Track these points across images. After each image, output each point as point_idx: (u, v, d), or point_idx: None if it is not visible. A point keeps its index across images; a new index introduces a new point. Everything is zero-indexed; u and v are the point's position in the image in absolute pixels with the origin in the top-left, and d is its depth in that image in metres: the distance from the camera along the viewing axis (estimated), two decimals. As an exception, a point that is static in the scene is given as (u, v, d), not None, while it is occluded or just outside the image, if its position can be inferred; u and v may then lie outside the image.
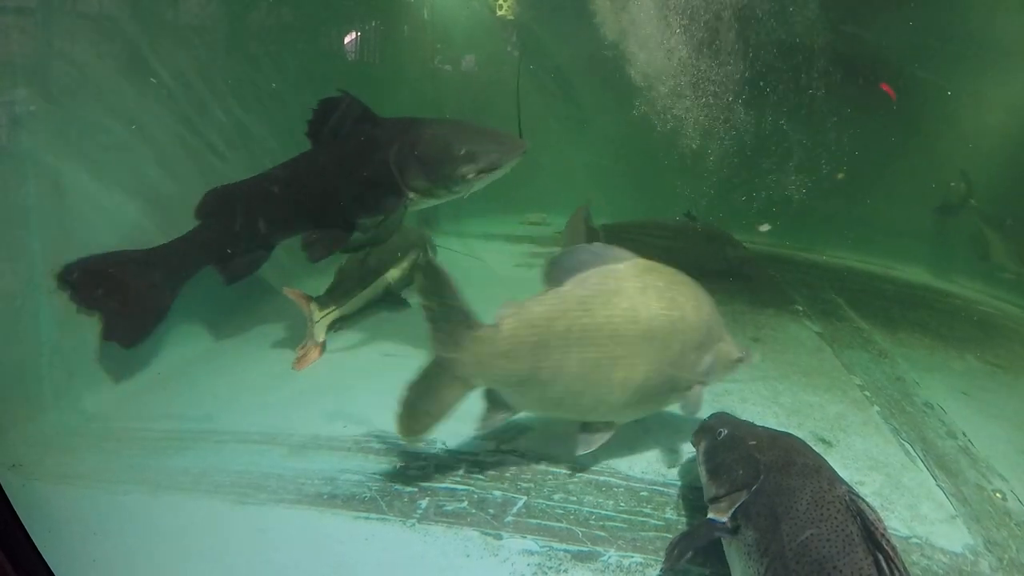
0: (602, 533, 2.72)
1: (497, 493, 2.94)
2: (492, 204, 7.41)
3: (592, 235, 5.20)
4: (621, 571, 2.53)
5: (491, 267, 6.57)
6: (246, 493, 2.89)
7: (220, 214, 4.12)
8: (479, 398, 2.96)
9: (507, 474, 3.08)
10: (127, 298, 3.84)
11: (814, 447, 2.61)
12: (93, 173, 3.92)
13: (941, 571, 2.67)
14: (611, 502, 2.91)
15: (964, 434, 3.78)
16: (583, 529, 2.74)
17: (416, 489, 2.95)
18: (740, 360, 3.13)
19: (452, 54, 8.74)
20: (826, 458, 2.47)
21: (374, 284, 5.02)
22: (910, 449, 3.54)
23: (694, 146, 6.32)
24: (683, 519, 2.84)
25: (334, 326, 4.55)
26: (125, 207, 4.12)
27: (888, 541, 1.96)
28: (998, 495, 3.23)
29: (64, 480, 2.95)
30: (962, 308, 6.68)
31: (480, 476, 3.06)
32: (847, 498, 2.13)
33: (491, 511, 2.82)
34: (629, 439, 3.11)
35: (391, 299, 5.18)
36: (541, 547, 2.62)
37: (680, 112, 6.14)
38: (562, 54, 9.02)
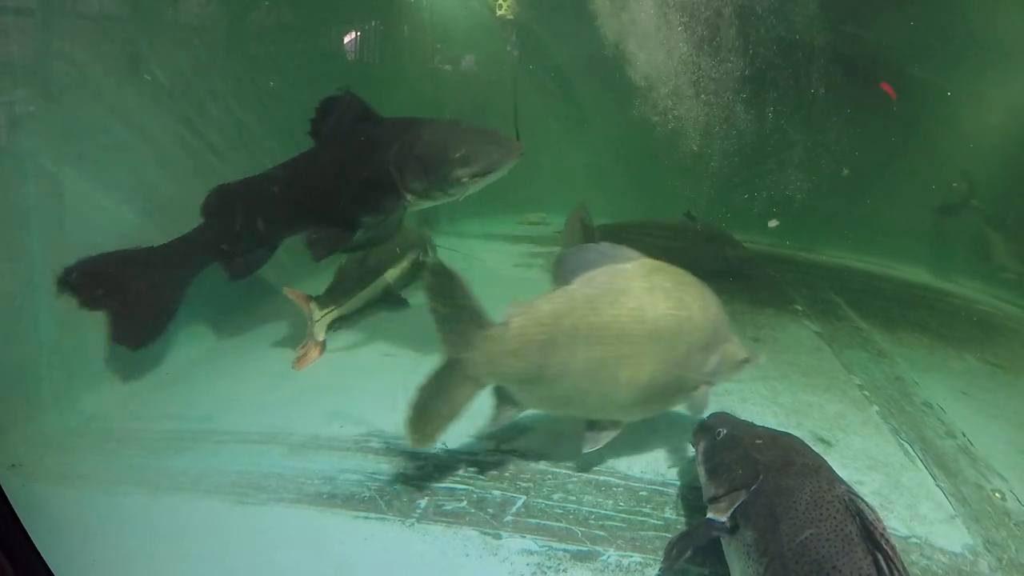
0: (601, 533, 2.72)
1: (496, 493, 2.94)
2: (492, 204, 7.42)
3: (589, 235, 5.18)
4: (620, 571, 2.53)
5: (491, 267, 6.57)
6: (246, 493, 2.89)
7: (224, 212, 4.13)
8: (480, 399, 2.96)
9: (506, 474, 3.08)
10: (134, 299, 3.85)
11: (813, 447, 2.61)
12: (93, 173, 3.93)
13: (940, 571, 2.67)
14: (610, 502, 2.92)
15: (963, 434, 3.77)
16: (582, 529, 2.74)
17: (415, 489, 2.95)
18: (746, 361, 3.13)
19: (452, 54, 8.73)
20: (825, 458, 2.48)
21: (374, 284, 5.03)
22: (909, 449, 3.54)
23: (694, 146, 6.31)
24: (682, 519, 2.84)
25: (333, 326, 4.55)
26: (125, 207, 4.13)
27: (887, 541, 1.96)
28: (997, 495, 3.23)
29: (64, 481, 2.95)
30: (962, 308, 6.68)
31: (479, 476, 3.06)
32: (846, 498, 2.13)
33: (490, 511, 2.82)
34: (629, 439, 3.11)
35: (391, 299, 5.18)
36: (540, 547, 2.63)
37: (680, 112, 6.13)
38: (562, 54, 9.01)
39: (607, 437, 3.00)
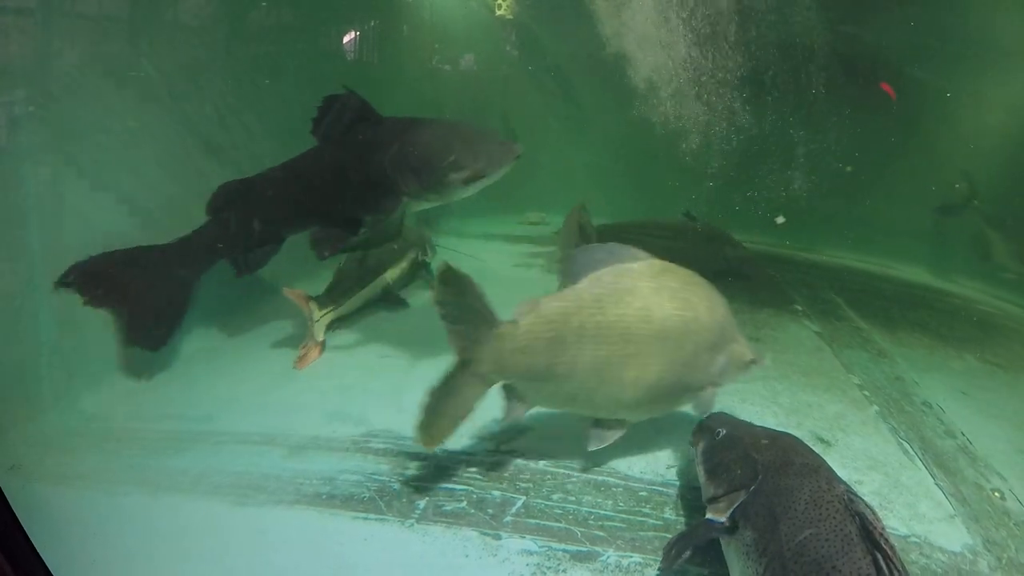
0: (601, 533, 2.72)
1: (496, 493, 2.94)
2: (491, 204, 7.42)
3: (586, 235, 5.16)
4: (620, 571, 2.53)
5: (490, 267, 6.56)
6: (245, 494, 2.89)
7: (231, 209, 4.14)
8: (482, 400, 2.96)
9: (506, 474, 3.08)
10: (148, 298, 3.87)
11: (813, 447, 2.61)
12: (93, 173, 3.93)
13: (940, 570, 2.67)
14: (610, 502, 2.92)
15: (963, 433, 3.77)
16: (582, 529, 2.74)
17: (415, 489, 2.95)
18: (753, 362, 3.13)
19: (451, 53, 8.74)
20: (825, 458, 2.47)
21: (373, 284, 5.03)
22: (909, 448, 3.54)
23: (693, 146, 6.31)
24: (682, 519, 2.84)
25: (332, 326, 4.55)
26: (125, 207, 4.13)
27: (887, 540, 1.96)
28: (997, 494, 3.23)
29: (63, 481, 2.95)
30: (961, 308, 6.68)
31: (479, 476, 3.06)
32: (845, 498, 2.13)
33: (490, 511, 2.82)
34: (628, 439, 3.10)
35: (390, 298, 5.18)
36: (540, 547, 2.63)
37: (679, 112, 6.13)
38: (561, 53, 9.02)
39: (613, 436, 3.02)
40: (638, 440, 3.29)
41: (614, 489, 3.01)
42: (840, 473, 2.37)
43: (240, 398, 3.77)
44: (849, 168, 7.53)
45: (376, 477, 3.03)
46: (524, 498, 2.91)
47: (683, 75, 6.03)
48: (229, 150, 5.09)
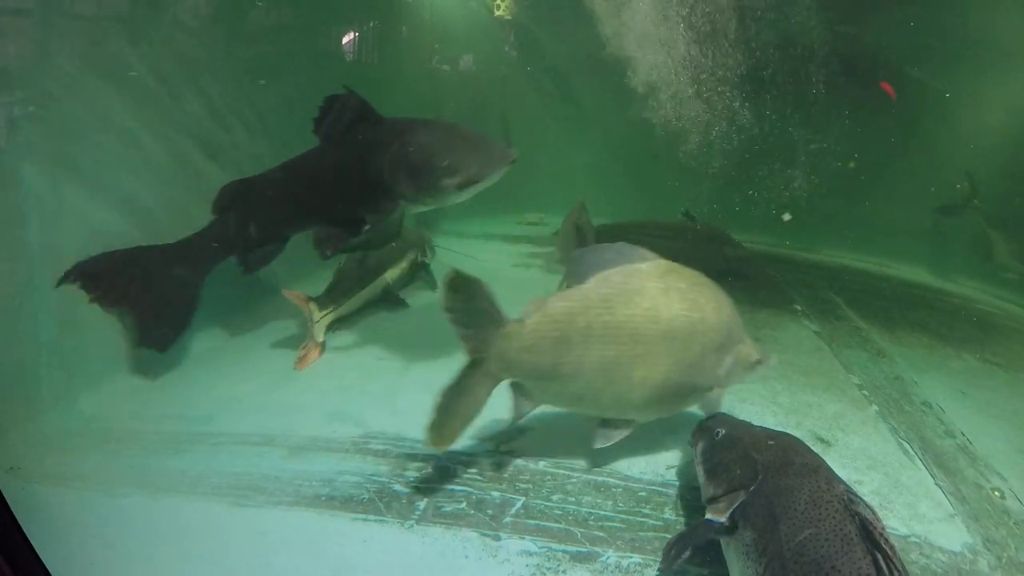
0: (601, 534, 2.72)
1: (495, 494, 2.94)
2: (490, 204, 7.41)
3: (583, 235, 5.15)
4: (620, 571, 2.53)
5: (489, 267, 6.56)
6: (245, 495, 2.89)
7: (236, 208, 4.16)
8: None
9: (505, 475, 3.08)
10: (155, 297, 3.88)
11: (813, 446, 2.61)
12: (92, 173, 3.93)
13: (940, 570, 2.67)
14: (609, 502, 2.91)
15: (962, 433, 3.77)
16: (582, 530, 2.74)
17: (414, 490, 2.95)
18: (759, 362, 3.14)
19: (450, 54, 8.74)
20: (825, 457, 2.47)
21: (373, 284, 5.03)
22: (908, 448, 3.54)
23: (692, 146, 6.31)
24: (682, 519, 2.84)
25: (332, 326, 4.55)
26: (124, 207, 4.13)
27: (886, 540, 1.96)
28: (996, 493, 3.23)
29: (63, 482, 2.95)
30: (961, 307, 6.69)
31: (478, 477, 3.06)
32: (845, 497, 2.13)
33: (489, 512, 2.82)
34: (628, 439, 3.11)
35: (390, 299, 5.18)
36: (540, 548, 2.63)
37: (678, 112, 6.13)
38: (560, 54, 9.02)
39: (619, 435, 3.03)
40: (638, 441, 3.29)
41: (614, 490, 3.01)
42: (840, 473, 2.37)
43: (240, 399, 3.77)
44: (852, 163, 7.53)
45: (375, 478, 3.03)
46: (524, 499, 2.91)
47: (682, 75, 6.03)
48: (228, 150, 5.08)
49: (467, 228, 7.79)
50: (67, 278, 3.58)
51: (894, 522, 2.90)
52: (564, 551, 2.61)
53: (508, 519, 2.78)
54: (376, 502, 2.86)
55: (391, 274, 5.22)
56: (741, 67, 6.18)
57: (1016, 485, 3.31)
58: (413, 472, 3.08)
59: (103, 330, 3.83)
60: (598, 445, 3.02)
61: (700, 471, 2.68)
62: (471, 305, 2.78)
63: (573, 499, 2.92)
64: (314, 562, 2.53)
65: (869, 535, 1.98)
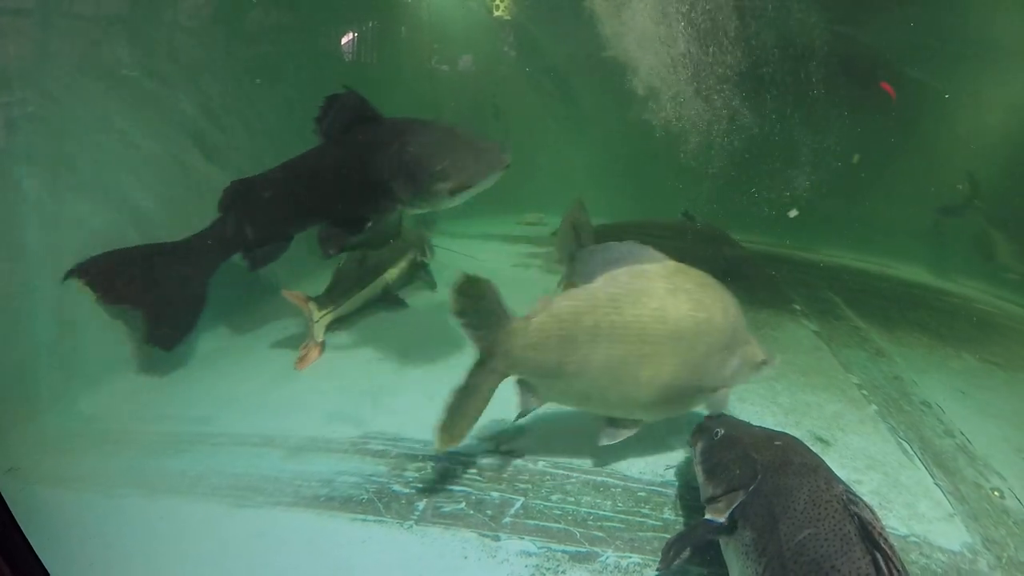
0: (600, 534, 2.72)
1: (495, 494, 2.94)
2: (490, 205, 7.42)
3: (580, 233, 5.12)
4: (619, 572, 2.53)
5: (489, 267, 6.56)
6: (244, 496, 2.89)
7: (241, 206, 4.17)
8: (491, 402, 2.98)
9: (504, 475, 3.08)
10: (163, 295, 3.91)
11: (812, 446, 2.61)
12: (91, 174, 3.93)
13: (939, 569, 2.67)
14: (609, 503, 2.91)
15: (962, 432, 3.77)
16: (581, 530, 2.74)
17: (413, 491, 2.95)
18: (764, 362, 3.15)
19: (449, 54, 8.74)
20: (824, 457, 2.47)
21: (372, 284, 5.02)
22: (908, 448, 3.54)
23: (692, 146, 6.31)
24: (681, 519, 2.84)
25: (332, 326, 4.55)
26: (123, 207, 4.13)
27: (886, 540, 1.96)
28: (996, 493, 3.23)
29: (61, 483, 2.95)
30: (960, 307, 6.68)
31: (477, 477, 3.06)
32: (844, 497, 2.13)
33: (489, 512, 2.82)
34: (627, 439, 3.11)
35: (389, 299, 5.18)
36: (539, 548, 2.62)
37: (678, 112, 6.13)
38: (559, 54, 9.02)
39: (625, 433, 3.04)
40: (637, 441, 3.28)
41: (613, 490, 3.01)
42: (839, 473, 2.37)
43: (239, 399, 3.77)
44: (856, 158, 7.53)
45: (375, 479, 3.03)
46: (523, 499, 2.91)
47: (681, 75, 6.02)
48: (228, 151, 5.09)
49: (466, 228, 7.79)
50: (73, 274, 3.62)
51: (893, 522, 2.90)
52: (563, 551, 2.61)
53: (507, 519, 2.78)
54: (375, 502, 2.86)
55: (390, 274, 5.22)
56: (740, 66, 6.18)
57: (1015, 485, 3.31)
58: (412, 472, 3.08)
59: (102, 331, 3.84)
60: (604, 442, 3.04)
61: (699, 471, 2.67)
62: (481, 306, 2.82)
63: (572, 499, 2.92)
64: (313, 563, 2.53)
65: (868, 535, 1.98)
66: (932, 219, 8.02)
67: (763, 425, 2.88)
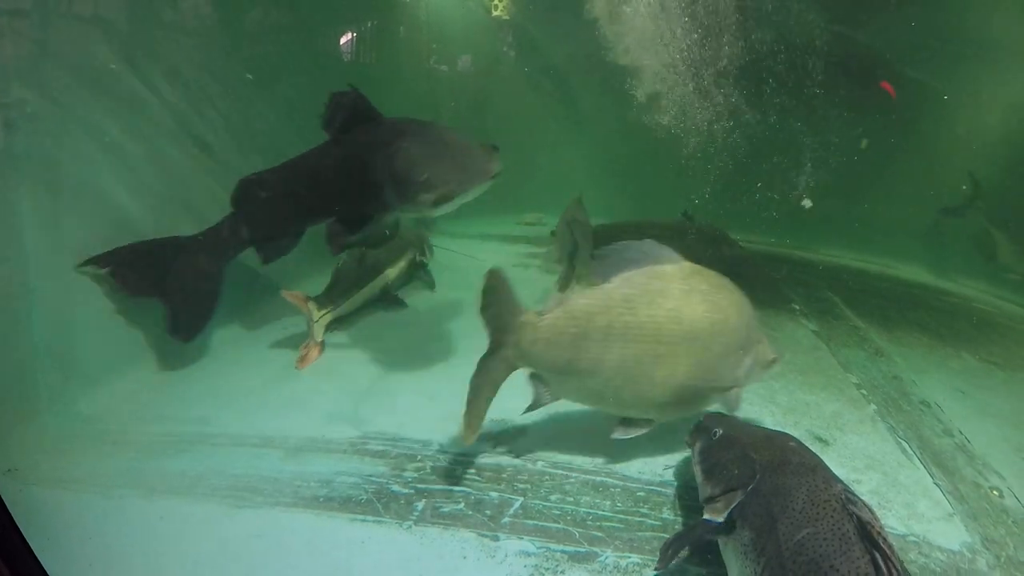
0: (599, 534, 2.72)
1: (494, 494, 2.94)
2: (489, 205, 7.41)
3: (577, 232, 5.11)
4: (618, 571, 2.53)
5: (487, 267, 6.55)
6: (243, 496, 2.89)
7: (253, 201, 4.21)
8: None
9: (504, 475, 3.08)
10: (182, 288, 3.99)
11: (811, 446, 2.61)
12: (90, 174, 3.93)
13: (939, 569, 2.67)
14: (608, 502, 2.91)
15: (961, 432, 3.78)
16: (580, 530, 2.74)
17: (412, 491, 2.95)
18: (775, 361, 3.18)
19: (448, 54, 8.74)
20: (823, 457, 2.47)
21: (371, 284, 5.02)
22: (907, 447, 3.54)
23: (691, 146, 6.32)
24: (680, 519, 2.84)
25: (331, 326, 4.55)
26: (121, 208, 4.12)
27: (884, 539, 1.96)
28: (995, 492, 3.24)
29: (60, 484, 2.94)
30: (960, 307, 6.68)
31: (477, 477, 3.06)
32: (843, 497, 2.13)
33: (488, 512, 2.82)
34: (627, 439, 3.11)
35: (388, 299, 5.18)
36: (538, 548, 2.62)
37: (677, 112, 6.14)
38: (558, 54, 9.01)
39: (638, 431, 3.06)
40: (637, 440, 3.29)
41: (612, 490, 3.01)
42: (838, 472, 2.38)
43: (237, 399, 3.77)
44: (865, 143, 7.53)
45: (374, 479, 3.02)
46: (522, 499, 2.91)
47: (681, 75, 6.03)
48: (228, 150, 5.08)
49: (466, 228, 7.78)
50: (95, 264, 3.70)
51: (892, 521, 2.91)
52: (562, 551, 2.61)
53: (506, 519, 2.78)
54: (374, 503, 2.86)
55: (389, 274, 5.22)
56: (739, 68, 6.19)
57: (1014, 484, 3.32)
58: (411, 473, 3.08)
59: (101, 331, 3.83)
60: (617, 436, 3.06)
61: (698, 471, 2.67)
62: (496, 296, 2.91)
63: (571, 499, 2.92)
64: (312, 563, 2.53)
65: (867, 534, 1.98)
66: (932, 219, 8.01)
67: (762, 424, 2.88)
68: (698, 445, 2.77)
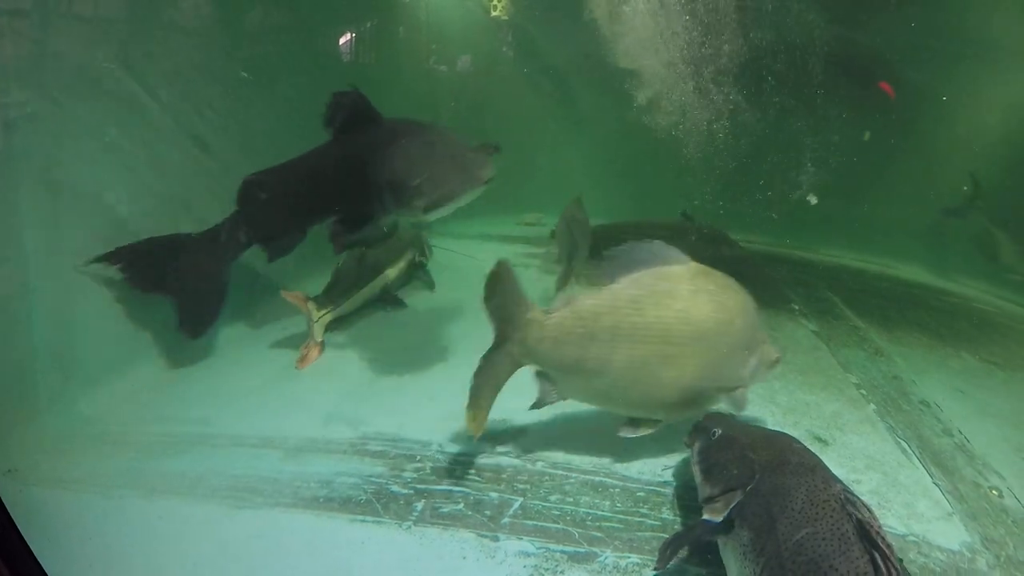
0: (599, 534, 2.72)
1: (493, 495, 2.94)
2: (488, 205, 7.41)
3: (575, 231, 5.10)
4: (618, 572, 2.53)
5: (487, 267, 6.55)
6: (242, 497, 2.89)
7: (258, 199, 4.22)
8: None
9: (503, 475, 3.08)
10: (191, 284, 4.03)
11: (810, 446, 2.61)
12: (90, 174, 3.93)
13: (938, 569, 2.67)
14: (607, 503, 2.92)
15: (961, 432, 3.78)
16: (580, 530, 2.74)
17: (412, 491, 2.95)
18: (778, 360, 3.20)
19: (448, 54, 8.74)
20: (822, 457, 2.47)
21: (371, 284, 5.02)
22: (906, 447, 3.54)
23: (691, 146, 6.32)
24: (679, 519, 2.84)
25: (331, 326, 4.55)
26: (121, 208, 4.12)
27: (884, 539, 1.96)
28: (994, 492, 3.24)
29: (60, 484, 2.95)
30: (960, 307, 6.68)
31: (476, 478, 3.06)
32: (842, 496, 2.13)
33: (487, 513, 2.82)
34: (625, 439, 3.11)
35: (388, 299, 5.18)
36: (538, 548, 2.63)
37: (677, 111, 6.14)
38: (558, 54, 9.01)
39: (644, 431, 3.07)
40: (636, 441, 3.29)
41: (612, 490, 3.01)
42: (838, 472, 2.38)
43: (237, 400, 3.77)
44: (866, 136, 7.53)
45: (373, 479, 3.03)
46: (522, 499, 2.91)
47: (680, 74, 6.03)
48: (227, 150, 5.07)
49: (465, 228, 7.77)
50: (106, 261, 3.74)
51: (892, 521, 2.91)
52: (562, 551, 2.62)
53: (506, 520, 2.78)
54: (374, 503, 2.86)
55: (389, 274, 5.22)
56: (738, 69, 6.18)
57: (1014, 484, 3.32)
58: (411, 473, 3.08)
59: (101, 331, 3.84)
60: (624, 435, 3.07)
61: (697, 471, 2.67)
62: (503, 290, 2.94)
63: (571, 499, 2.93)
64: (312, 564, 2.53)
65: (866, 534, 1.98)
66: (932, 219, 8.00)
67: (762, 424, 2.88)
68: (697, 445, 2.77)
